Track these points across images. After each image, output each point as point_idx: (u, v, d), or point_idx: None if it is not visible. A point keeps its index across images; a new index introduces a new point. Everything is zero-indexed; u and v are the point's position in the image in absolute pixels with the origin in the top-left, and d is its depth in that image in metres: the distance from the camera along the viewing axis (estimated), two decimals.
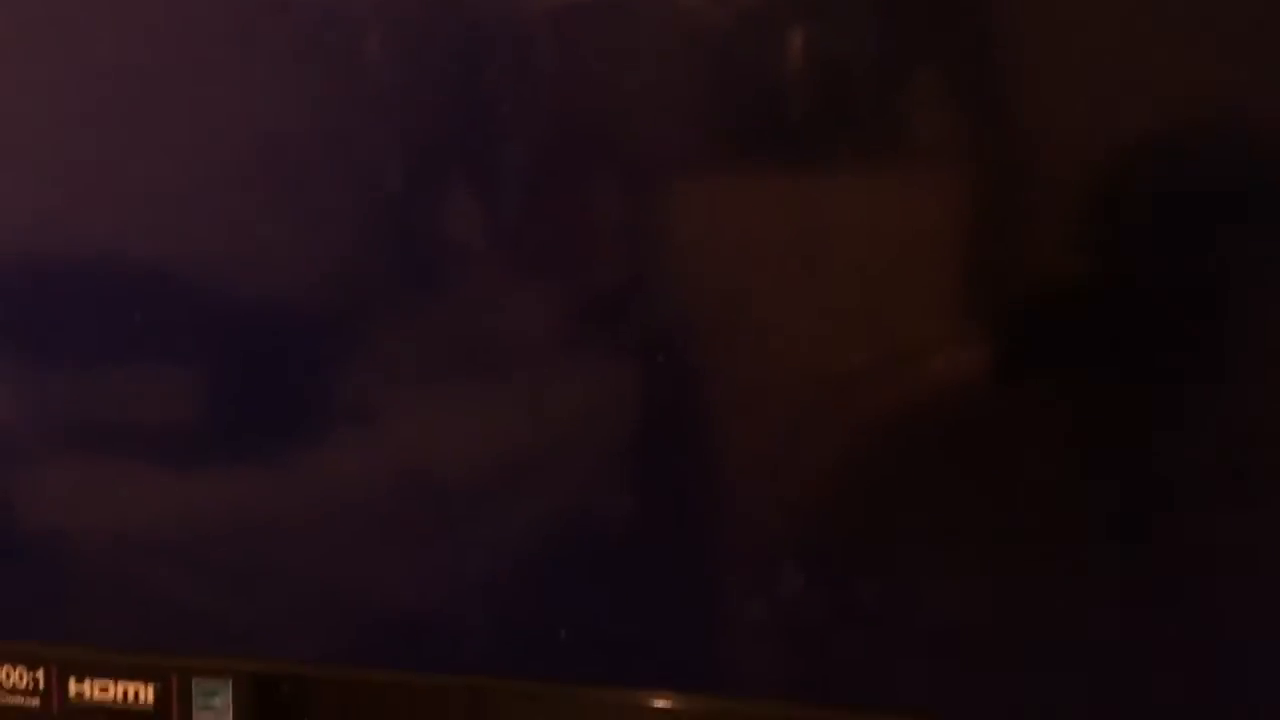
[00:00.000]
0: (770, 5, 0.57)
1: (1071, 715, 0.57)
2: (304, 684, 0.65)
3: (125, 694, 0.66)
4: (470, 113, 0.60)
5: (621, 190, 0.60)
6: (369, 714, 0.66)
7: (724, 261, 0.60)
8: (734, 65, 0.58)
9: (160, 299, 0.64)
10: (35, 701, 0.67)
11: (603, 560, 0.61)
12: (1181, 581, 0.56)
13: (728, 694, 0.61)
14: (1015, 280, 0.57)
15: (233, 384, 0.65)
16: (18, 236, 0.66)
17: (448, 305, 0.62)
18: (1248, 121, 0.54)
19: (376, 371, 0.63)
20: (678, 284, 0.61)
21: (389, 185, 0.62)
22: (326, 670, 0.65)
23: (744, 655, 0.61)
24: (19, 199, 0.66)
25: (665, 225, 0.60)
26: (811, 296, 0.59)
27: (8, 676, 0.67)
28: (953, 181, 0.58)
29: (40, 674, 0.67)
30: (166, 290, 0.64)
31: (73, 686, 0.67)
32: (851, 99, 0.58)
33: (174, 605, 0.67)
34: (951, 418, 0.58)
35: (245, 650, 0.65)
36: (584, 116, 0.60)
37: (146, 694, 0.66)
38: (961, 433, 0.58)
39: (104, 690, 0.66)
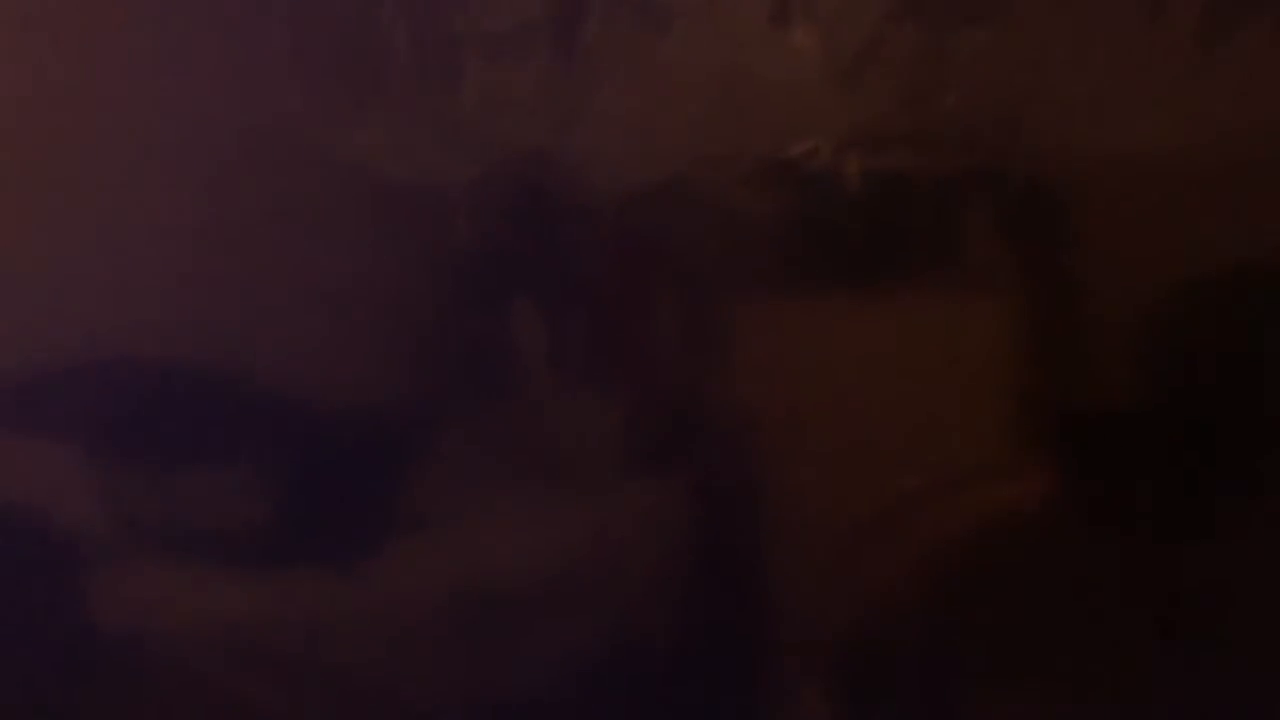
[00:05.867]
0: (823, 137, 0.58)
1: None
2: None
3: None
4: (536, 233, 0.62)
5: (683, 309, 0.61)
6: None
7: (782, 382, 0.60)
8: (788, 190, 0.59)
9: (238, 402, 0.66)
10: None
11: (657, 680, 0.62)
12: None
13: None
14: (1074, 407, 0.57)
15: (299, 488, 0.66)
16: (92, 339, 0.69)
17: (514, 417, 0.63)
18: None
19: (444, 482, 0.65)
20: (736, 403, 0.61)
21: (455, 298, 0.63)
22: None
23: None
24: (95, 298, 0.68)
25: (725, 345, 0.61)
26: (869, 419, 0.59)
27: None
28: (1012, 306, 0.58)
29: None
30: (243, 393, 0.66)
31: None
32: (909, 223, 0.58)
33: (238, 704, 0.68)
34: (1009, 546, 0.58)
35: None
36: (648, 237, 0.61)
37: None
38: (1020, 562, 0.58)
39: None
